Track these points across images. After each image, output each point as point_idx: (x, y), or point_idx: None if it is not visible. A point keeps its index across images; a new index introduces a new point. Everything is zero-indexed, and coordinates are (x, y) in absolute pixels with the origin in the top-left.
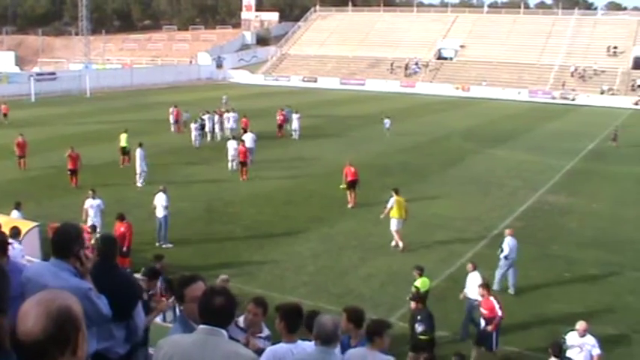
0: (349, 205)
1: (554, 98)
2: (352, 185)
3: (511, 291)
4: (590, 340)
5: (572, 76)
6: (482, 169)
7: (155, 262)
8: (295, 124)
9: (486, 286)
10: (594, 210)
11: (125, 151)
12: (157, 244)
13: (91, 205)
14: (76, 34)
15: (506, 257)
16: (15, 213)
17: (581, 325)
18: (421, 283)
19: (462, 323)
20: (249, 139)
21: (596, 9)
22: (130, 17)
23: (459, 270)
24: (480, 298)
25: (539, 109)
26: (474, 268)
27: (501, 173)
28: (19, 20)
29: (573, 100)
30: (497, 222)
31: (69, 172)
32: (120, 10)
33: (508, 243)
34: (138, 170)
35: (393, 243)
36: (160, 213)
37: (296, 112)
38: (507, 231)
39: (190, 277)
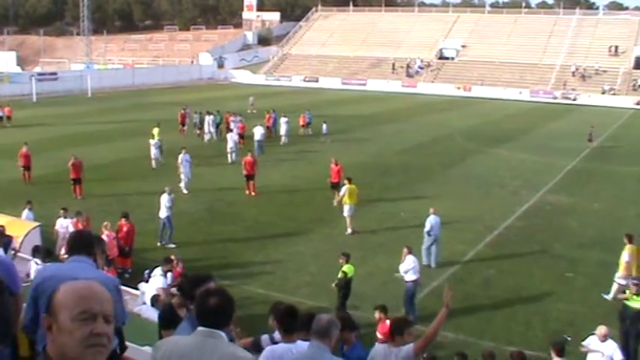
0: (333, 202)
1: (555, 98)
2: (334, 187)
3: (433, 265)
4: (611, 346)
5: (573, 75)
6: (483, 169)
7: (164, 265)
8: (283, 129)
9: (383, 308)
10: (596, 210)
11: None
12: (159, 243)
13: (62, 225)
14: (78, 34)
15: (428, 233)
16: (27, 213)
17: (601, 329)
18: (348, 268)
19: (404, 306)
20: (258, 132)
21: (597, 9)
22: (132, 17)
23: (461, 270)
24: (412, 278)
25: (541, 109)
26: (410, 252)
27: (503, 173)
28: (21, 20)
29: (575, 100)
30: (499, 222)
31: (72, 182)
32: (121, 10)
33: (430, 220)
34: (182, 177)
35: (349, 230)
36: (162, 213)
37: (284, 116)
38: (431, 209)
39: (202, 277)
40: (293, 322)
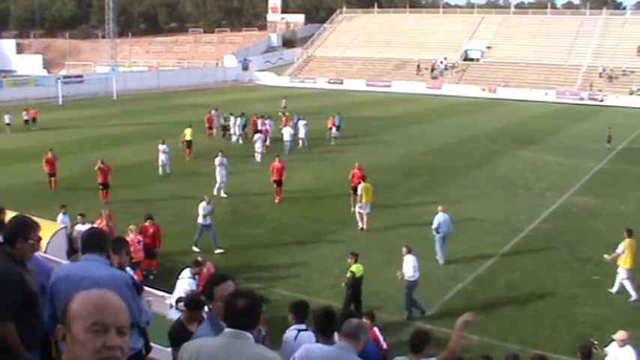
0: (352, 209)
1: (582, 99)
2: (355, 190)
3: (441, 261)
4: (629, 353)
5: (600, 76)
6: (509, 171)
7: (192, 268)
8: (301, 132)
9: (371, 315)
10: (623, 212)
11: (189, 145)
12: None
13: (80, 231)
14: (103, 37)
15: (437, 230)
16: (61, 217)
17: (620, 334)
18: (356, 268)
19: (405, 305)
20: (287, 133)
21: (624, 9)
22: (157, 20)
23: (486, 272)
24: (412, 277)
25: (567, 111)
26: (409, 251)
27: (529, 175)
28: (47, 24)
29: (602, 101)
30: (525, 224)
31: (100, 187)
32: (146, 13)
33: (438, 218)
34: (218, 180)
35: (360, 225)
36: (199, 220)
37: (303, 119)
38: (439, 207)
39: (220, 276)
40: (331, 325)
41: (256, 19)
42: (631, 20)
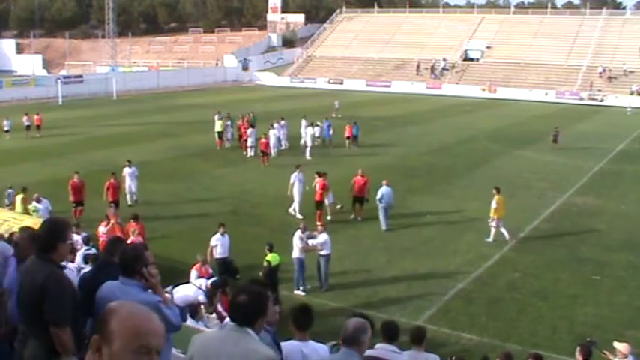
0: (352, 217)
1: (581, 99)
2: (358, 201)
3: (384, 227)
4: None
5: (600, 76)
6: (509, 171)
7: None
8: (282, 134)
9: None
10: (623, 212)
11: (220, 136)
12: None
13: (76, 241)
14: (103, 37)
15: (380, 201)
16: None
17: (622, 347)
18: (271, 257)
19: (323, 277)
20: (307, 133)
21: (624, 8)
22: (156, 20)
23: (485, 272)
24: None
25: (567, 111)
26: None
27: (528, 175)
28: (47, 24)
29: (602, 100)
30: (524, 224)
31: (111, 205)
32: (146, 13)
33: (382, 191)
34: (296, 199)
35: (338, 206)
36: (293, 254)
37: (281, 121)
38: (384, 182)
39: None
40: (307, 319)
41: (256, 19)
42: (631, 20)
